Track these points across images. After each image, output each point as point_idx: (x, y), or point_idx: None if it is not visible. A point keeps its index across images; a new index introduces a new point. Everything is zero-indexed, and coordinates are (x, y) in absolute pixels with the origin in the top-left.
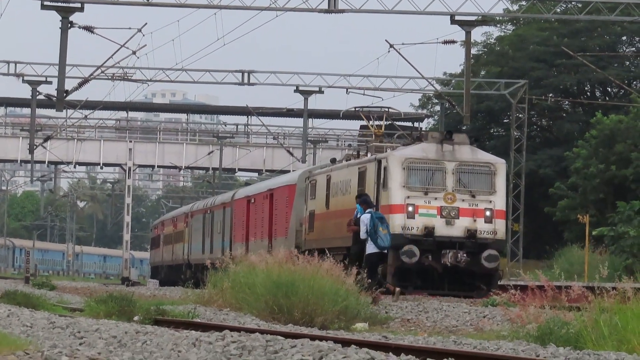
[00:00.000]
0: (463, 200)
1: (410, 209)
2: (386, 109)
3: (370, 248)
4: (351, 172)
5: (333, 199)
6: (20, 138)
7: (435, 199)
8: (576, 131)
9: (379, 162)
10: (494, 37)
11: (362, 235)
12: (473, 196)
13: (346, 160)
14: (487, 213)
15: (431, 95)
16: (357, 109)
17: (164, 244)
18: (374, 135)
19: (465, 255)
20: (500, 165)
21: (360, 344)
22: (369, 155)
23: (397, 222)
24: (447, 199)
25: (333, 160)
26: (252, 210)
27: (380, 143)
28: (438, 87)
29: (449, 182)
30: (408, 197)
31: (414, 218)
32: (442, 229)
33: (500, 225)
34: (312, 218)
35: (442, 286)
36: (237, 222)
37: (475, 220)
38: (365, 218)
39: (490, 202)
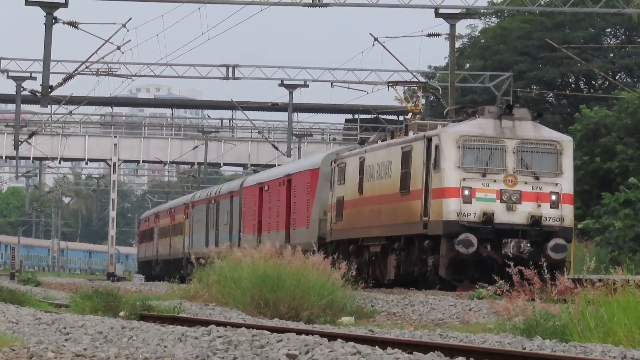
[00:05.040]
0: (526, 182)
1: (466, 192)
2: (422, 84)
3: None
4: (392, 153)
5: (368, 183)
6: (5, 134)
7: (495, 181)
8: (560, 123)
9: (429, 140)
10: (479, 30)
11: None
12: (537, 178)
13: (381, 141)
14: (553, 197)
15: (416, 88)
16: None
17: (159, 237)
18: (410, 113)
19: (529, 244)
20: (567, 143)
21: (347, 338)
22: (411, 134)
23: (451, 208)
24: (508, 182)
25: (362, 142)
26: (266, 199)
27: (424, 120)
28: (423, 80)
29: (509, 163)
30: (464, 179)
31: (471, 203)
32: (502, 215)
33: (567, 210)
34: (340, 205)
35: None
36: (247, 212)
37: (539, 206)
38: None
39: (557, 184)
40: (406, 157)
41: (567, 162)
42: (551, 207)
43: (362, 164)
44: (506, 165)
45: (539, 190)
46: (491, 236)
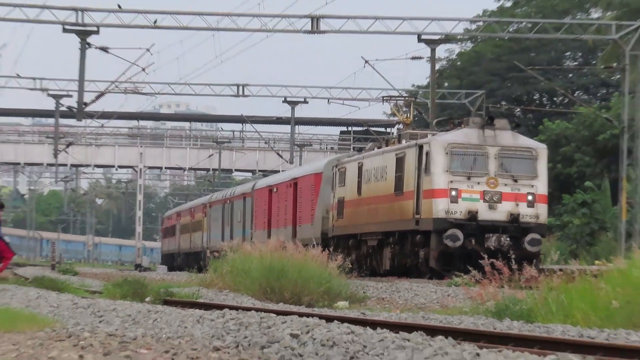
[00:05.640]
0: (505, 184)
1: (453, 193)
2: (413, 98)
3: None
4: (387, 159)
5: (365, 185)
6: (46, 144)
7: (478, 183)
8: (527, 135)
9: (420, 147)
10: (456, 54)
11: None
12: (515, 181)
13: (377, 148)
14: (530, 197)
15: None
16: (385, 98)
17: (180, 233)
18: (402, 124)
19: (508, 239)
20: (541, 150)
21: (342, 319)
22: (404, 142)
23: (440, 207)
24: (490, 184)
25: (359, 150)
26: (275, 199)
27: (415, 130)
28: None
29: (491, 167)
30: (451, 181)
31: (457, 202)
32: (485, 213)
33: (542, 209)
34: (340, 205)
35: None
36: (258, 211)
37: (517, 205)
38: None
39: (533, 186)
40: (400, 162)
41: (542, 167)
42: (528, 206)
43: (360, 168)
44: (488, 169)
45: (517, 192)
46: (475, 232)
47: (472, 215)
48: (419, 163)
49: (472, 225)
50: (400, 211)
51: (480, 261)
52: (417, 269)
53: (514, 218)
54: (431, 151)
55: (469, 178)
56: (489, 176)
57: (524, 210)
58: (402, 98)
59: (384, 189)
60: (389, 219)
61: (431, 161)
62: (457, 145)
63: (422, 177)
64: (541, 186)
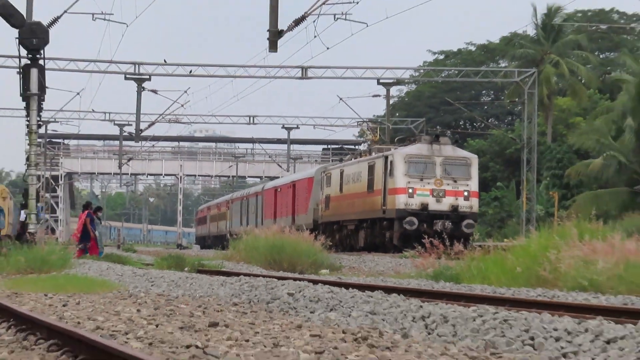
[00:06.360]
0: (448, 184)
1: (410, 190)
2: (378, 124)
3: None
4: (361, 166)
5: (346, 185)
6: (113, 159)
7: (428, 183)
8: None
9: (386, 157)
10: (404, 92)
11: None
12: (455, 181)
13: (354, 159)
14: (465, 193)
15: (365, 129)
16: (364, 120)
17: (210, 221)
18: (372, 141)
19: (450, 224)
20: (473, 159)
21: (324, 282)
22: (373, 154)
23: (401, 201)
24: (437, 184)
25: (341, 160)
26: (279, 196)
27: (380, 145)
28: (369, 124)
29: (437, 172)
30: (409, 182)
31: (413, 197)
32: (433, 205)
33: (474, 202)
34: (327, 200)
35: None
36: (267, 205)
37: (457, 199)
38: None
39: (467, 185)
40: (371, 169)
41: (474, 171)
42: (464, 200)
43: (342, 173)
44: (435, 173)
45: (456, 189)
46: (426, 219)
47: (424, 207)
48: (385, 169)
49: (424, 214)
50: (371, 204)
51: (429, 240)
52: (384, 245)
53: (455, 208)
54: (394, 160)
55: (421, 180)
56: (436, 178)
57: (461, 202)
58: (369, 122)
59: (360, 188)
60: (363, 210)
61: (394, 168)
62: (413, 156)
63: (388, 179)
64: (474, 185)
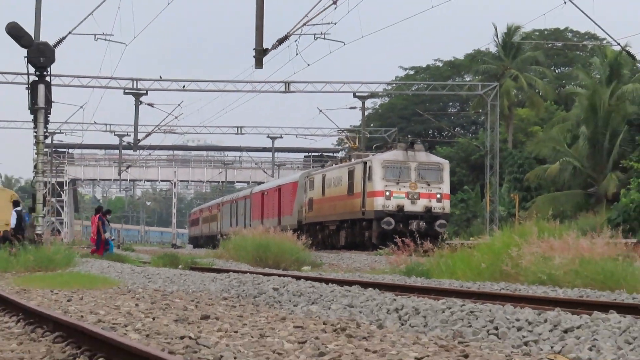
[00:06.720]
0: (422, 187)
1: (387, 193)
2: (357, 133)
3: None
4: (342, 171)
5: (327, 189)
6: (113, 167)
7: (404, 187)
8: None
9: (365, 163)
10: (378, 104)
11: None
12: (428, 185)
13: (335, 165)
14: (438, 196)
15: (343, 138)
16: (342, 130)
17: (202, 223)
18: (351, 148)
19: (424, 223)
20: (445, 164)
21: (306, 278)
22: (353, 160)
23: (379, 202)
24: (412, 187)
25: (322, 166)
26: (266, 199)
27: (359, 152)
28: (346, 133)
29: (412, 176)
30: (386, 185)
31: (390, 199)
32: (409, 207)
33: (446, 204)
34: (311, 202)
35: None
36: (255, 207)
37: (430, 201)
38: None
39: (440, 188)
40: (351, 174)
41: (446, 175)
42: (437, 202)
43: (324, 178)
44: (410, 177)
45: (430, 192)
46: (402, 219)
47: (400, 208)
48: (364, 174)
49: (400, 215)
50: (351, 206)
51: (401, 238)
52: (364, 244)
53: (428, 209)
54: (372, 166)
55: (397, 183)
56: (411, 182)
57: (434, 204)
58: (347, 132)
59: (341, 191)
60: (344, 211)
61: (372, 172)
62: (390, 161)
63: (367, 183)
64: (445, 188)
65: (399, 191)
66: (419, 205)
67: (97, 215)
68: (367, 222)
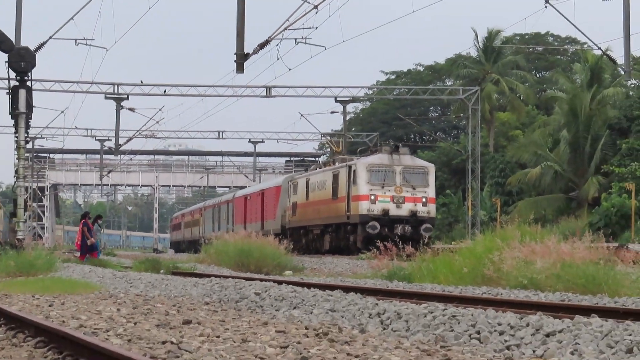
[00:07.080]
0: (407, 191)
1: (372, 197)
2: (342, 137)
3: None
4: (326, 175)
5: (311, 193)
6: (94, 172)
7: (389, 190)
8: None
9: (350, 167)
10: (359, 109)
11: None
12: (414, 188)
13: (319, 169)
14: (423, 200)
15: (325, 143)
16: (323, 134)
17: (184, 227)
18: (334, 152)
19: (410, 228)
20: (431, 168)
21: (288, 282)
22: (337, 164)
23: (364, 207)
24: (397, 191)
25: (306, 169)
26: (249, 204)
27: (343, 156)
28: (329, 138)
29: (397, 179)
30: (371, 189)
31: (375, 203)
32: (394, 211)
33: (432, 208)
34: (294, 207)
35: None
36: (237, 212)
37: (415, 205)
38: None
39: (425, 192)
40: (335, 177)
41: (431, 179)
42: (422, 206)
43: (307, 182)
44: (396, 181)
45: (415, 196)
46: (388, 223)
47: (386, 212)
48: (349, 177)
49: (386, 219)
50: (336, 210)
51: (383, 243)
52: (348, 248)
53: (413, 214)
54: (357, 169)
55: (382, 187)
56: (396, 186)
57: (420, 208)
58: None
59: (325, 195)
60: (328, 215)
61: (357, 176)
62: (375, 165)
63: (351, 187)
64: (431, 192)
65: (384, 195)
66: (404, 210)
67: (82, 221)
68: (352, 226)
